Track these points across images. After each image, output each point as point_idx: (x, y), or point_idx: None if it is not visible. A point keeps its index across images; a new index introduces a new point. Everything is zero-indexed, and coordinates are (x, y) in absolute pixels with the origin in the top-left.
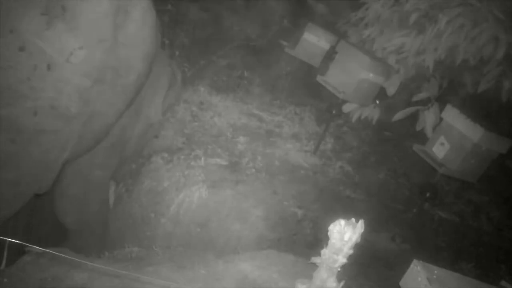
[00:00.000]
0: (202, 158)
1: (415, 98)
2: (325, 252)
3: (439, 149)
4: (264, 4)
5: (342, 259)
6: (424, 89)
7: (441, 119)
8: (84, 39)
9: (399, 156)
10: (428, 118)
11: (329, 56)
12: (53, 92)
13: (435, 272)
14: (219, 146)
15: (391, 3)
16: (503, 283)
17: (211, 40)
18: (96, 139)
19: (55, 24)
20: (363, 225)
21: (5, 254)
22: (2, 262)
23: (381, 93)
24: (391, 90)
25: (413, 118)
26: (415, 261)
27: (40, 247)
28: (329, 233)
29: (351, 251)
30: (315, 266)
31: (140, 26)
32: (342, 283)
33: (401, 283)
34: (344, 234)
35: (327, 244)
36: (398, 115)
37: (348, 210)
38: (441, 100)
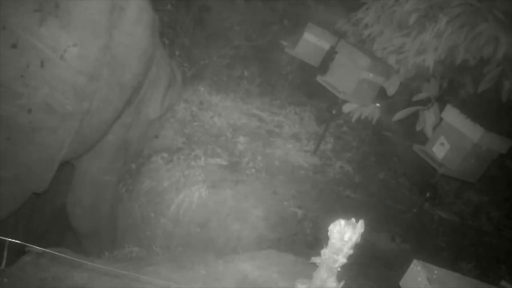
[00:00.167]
0: (202, 158)
1: (415, 98)
2: (325, 252)
3: (439, 149)
4: (264, 4)
5: (342, 259)
6: (424, 89)
7: (441, 119)
8: (78, 36)
9: (399, 156)
10: (428, 118)
11: (329, 56)
12: (48, 89)
13: (435, 272)
14: (219, 146)
15: (391, 3)
16: (503, 283)
17: (211, 40)
18: (95, 137)
19: (48, 21)
20: (363, 225)
21: (5, 254)
22: (2, 262)
23: (381, 93)
24: (391, 90)
25: (413, 118)
26: (415, 261)
27: (40, 247)
28: (329, 233)
29: (351, 251)
30: (315, 266)
31: (135, 24)
32: (342, 283)
33: (401, 283)
34: (344, 234)
35: (327, 244)
36: (398, 115)
37: (348, 210)
38: (441, 100)
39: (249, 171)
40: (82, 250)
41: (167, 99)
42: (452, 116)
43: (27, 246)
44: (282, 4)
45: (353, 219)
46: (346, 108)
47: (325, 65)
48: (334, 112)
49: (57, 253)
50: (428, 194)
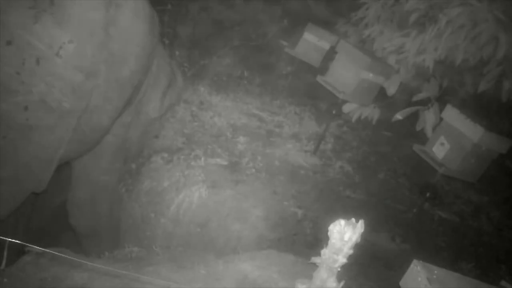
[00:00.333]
0: (202, 158)
1: (415, 98)
2: (325, 252)
3: (439, 149)
4: (264, 4)
5: (342, 259)
6: (424, 89)
7: (441, 119)
8: (73, 32)
9: (399, 156)
10: (428, 118)
11: (329, 56)
12: (44, 86)
13: (435, 272)
14: (219, 146)
15: (391, 3)
16: (503, 283)
17: (211, 40)
18: (95, 137)
19: (43, 18)
20: (363, 225)
21: (5, 254)
22: (2, 262)
23: (381, 93)
24: (391, 90)
25: (413, 118)
26: (415, 261)
27: (40, 247)
28: (329, 233)
29: (351, 251)
30: (315, 266)
31: (132, 21)
32: (342, 283)
33: (401, 283)
34: (344, 234)
35: (327, 244)
36: (398, 115)
37: (348, 210)
38: (441, 100)
39: (249, 171)
40: (82, 250)
41: (167, 99)
42: (452, 116)
43: (27, 246)
44: (282, 4)
45: (353, 219)
46: (346, 108)
47: (325, 65)
48: (334, 112)
49: (57, 253)
50: (428, 194)
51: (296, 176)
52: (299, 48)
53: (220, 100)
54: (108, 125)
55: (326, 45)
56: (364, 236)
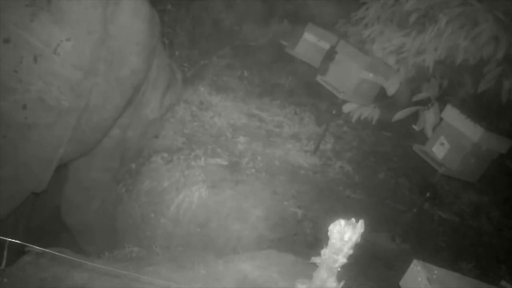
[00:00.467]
0: (202, 158)
1: (415, 98)
2: (325, 252)
3: (439, 149)
4: (264, 4)
5: (342, 259)
6: (424, 89)
7: (441, 119)
8: (71, 30)
9: (399, 156)
10: (428, 118)
11: (329, 56)
12: (42, 84)
13: (435, 272)
14: (219, 146)
15: (391, 3)
16: (503, 283)
17: (211, 40)
18: (96, 137)
19: (40, 16)
20: (363, 225)
21: (5, 254)
22: (2, 262)
23: (381, 93)
24: (391, 90)
25: (413, 118)
26: (415, 261)
27: (40, 247)
28: (329, 233)
29: (351, 251)
30: (315, 266)
31: (131, 20)
32: (342, 283)
33: (401, 283)
34: (344, 234)
35: (327, 244)
36: (398, 115)
37: (348, 210)
38: (441, 100)
39: (249, 171)
40: (80, 248)
41: (167, 99)
42: (452, 116)
43: (27, 246)
44: (282, 4)
45: (353, 219)
46: (346, 108)
47: (325, 65)
48: (334, 112)
49: (57, 253)
50: (428, 194)
51: (296, 176)
52: (299, 48)
53: (220, 100)
54: (109, 125)
55: (326, 45)
56: (364, 236)
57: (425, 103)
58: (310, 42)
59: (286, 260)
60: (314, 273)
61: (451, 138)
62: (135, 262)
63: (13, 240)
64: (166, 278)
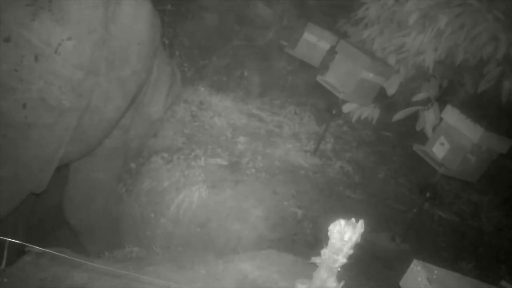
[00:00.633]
0: (202, 158)
1: (415, 98)
2: (325, 252)
3: (439, 149)
4: (264, 4)
5: (342, 259)
6: (424, 89)
7: (441, 119)
8: (72, 30)
9: (399, 156)
10: (428, 118)
11: (329, 56)
12: (43, 83)
13: (435, 272)
14: (219, 146)
15: (391, 3)
16: (503, 283)
17: (211, 40)
18: (98, 137)
19: (41, 15)
20: (363, 225)
21: (5, 254)
22: (2, 262)
23: (381, 93)
24: (391, 90)
25: (413, 118)
26: (415, 261)
27: (40, 247)
28: (329, 233)
29: (351, 251)
30: (315, 266)
31: (132, 19)
32: (342, 283)
33: (401, 283)
34: (344, 234)
35: (327, 244)
36: (398, 115)
37: (348, 210)
38: (441, 100)
39: (249, 171)
40: (82, 248)
41: (168, 100)
42: (452, 116)
43: (27, 246)
44: (282, 4)
45: (353, 219)
46: (346, 108)
47: (325, 65)
48: (334, 112)
49: (57, 253)
50: (428, 194)
51: (296, 176)
52: (299, 48)
53: (220, 100)
54: (111, 126)
55: (326, 45)
56: (364, 236)
57: (425, 103)
58: (310, 42)
59: (286, 260)
60: (314, 273)
61: (451, 138)
62: (135, 262)
63: (13, 240)
64: (166, 278)
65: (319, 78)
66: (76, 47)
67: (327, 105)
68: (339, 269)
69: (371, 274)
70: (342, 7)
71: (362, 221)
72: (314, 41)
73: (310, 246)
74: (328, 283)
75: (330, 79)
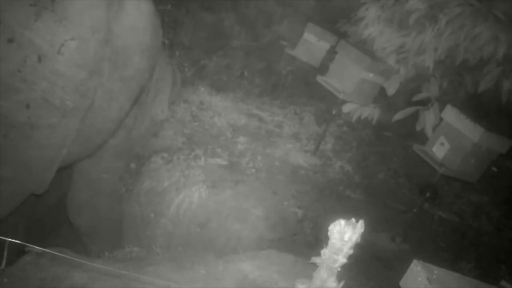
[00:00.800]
0: (202, 158)
1: (415, 98)
2: (325, 252)
3: (439, 149)
4: (265, 4)
5: (342, 259)
6: (424, 89)
7: (441, 119)
8: (75, 30)
9: (399, 156)
10: (428, 118)
11: (329, 56)
12: (46, 84)
13: (435, 272)
14: (219, 146)
15: (391, 3)
16: (503, 283)
17: (211, 40)
18: (101, 137)
19: (44, 15)
20: (363, 225)
21: (5, 254)
22: (2, 262)
23: (381, 93)
24: (391, 90)
25: (413, 118)
26: (415, 261)
27: (40, 247)
28: (329, 233)
29: (351, 251)
30: (315, 266)
31: (135, 19)
32: (342, 283)
33: (401, 283)
34: (344, 234)
35: (327, 244)
36: (398, 115)
37: (348, 210)
38: (441, 100)
39: (249, 171)
40: (84, 248)
41: (170, 99)
42: (452, 116)
43: (27, 246)
44: (282, 4)
45: (353, 219)
46: (346, 108)
47: (325, 65)
48: (334, 112)
49: (57, 253)
50: (428, 194)
51: (296, 176)
52: (299, 48)
53: (220, 100)
54: (114, 126)
55: (326, 45)
56: (364, 236)
57: (425, 103)
58: (310, 42)
59: (286, 260)
60: (314, 273)
61: (451, 138)
62: (135, 262)
63: (13, 240)
64: (166, 278)
65: (319, 78)
66: (79, 47)
67: (327, 105)
68: (339, 269)
69: (371, 274)
70: (342, 7)
71: (362, 221)
72: (314, 41)
73: (310, 246)
74: (328, 283)
75: (330, 79)
